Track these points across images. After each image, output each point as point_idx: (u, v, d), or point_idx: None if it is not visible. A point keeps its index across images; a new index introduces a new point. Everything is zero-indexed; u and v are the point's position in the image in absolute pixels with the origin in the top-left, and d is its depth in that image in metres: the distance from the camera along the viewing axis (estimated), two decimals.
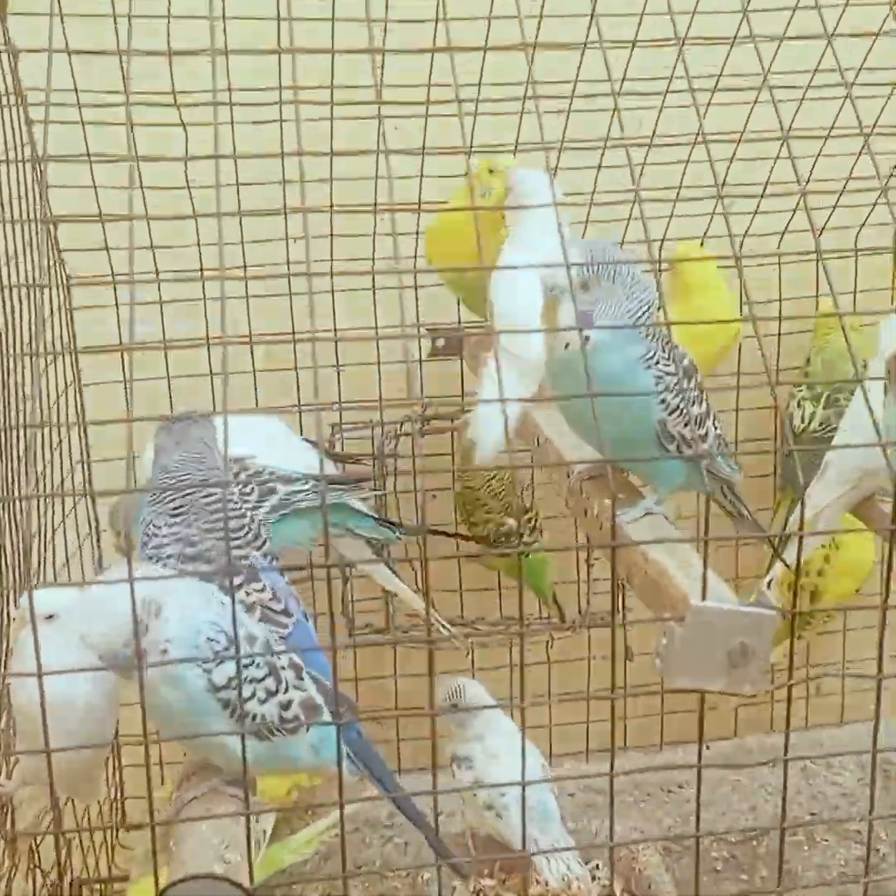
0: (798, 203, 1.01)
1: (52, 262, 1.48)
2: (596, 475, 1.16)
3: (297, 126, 0.94)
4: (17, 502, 1.23)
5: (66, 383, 1.50)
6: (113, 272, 1.48)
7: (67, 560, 1.45)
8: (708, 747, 1.85)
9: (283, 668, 1.01)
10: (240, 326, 1.58)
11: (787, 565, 1.28)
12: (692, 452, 1.08)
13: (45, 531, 1.37)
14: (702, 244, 1.65)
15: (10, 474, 1.23)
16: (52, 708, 0.82)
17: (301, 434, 1.53)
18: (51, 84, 0.93)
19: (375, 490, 1.56)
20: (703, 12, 1.33)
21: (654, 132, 1.48)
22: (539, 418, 1.31)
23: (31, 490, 0.97)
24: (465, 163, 0.92)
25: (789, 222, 1.63)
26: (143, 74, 1.11)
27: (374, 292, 1.62)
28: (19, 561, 1.25)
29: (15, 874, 1.19)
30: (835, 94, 1.15)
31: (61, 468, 1.44)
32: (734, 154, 1.49)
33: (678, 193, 1.56)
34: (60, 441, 1.44)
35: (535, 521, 1.64)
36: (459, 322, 1.69)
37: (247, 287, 1.50)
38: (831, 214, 1.63)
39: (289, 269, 1.48)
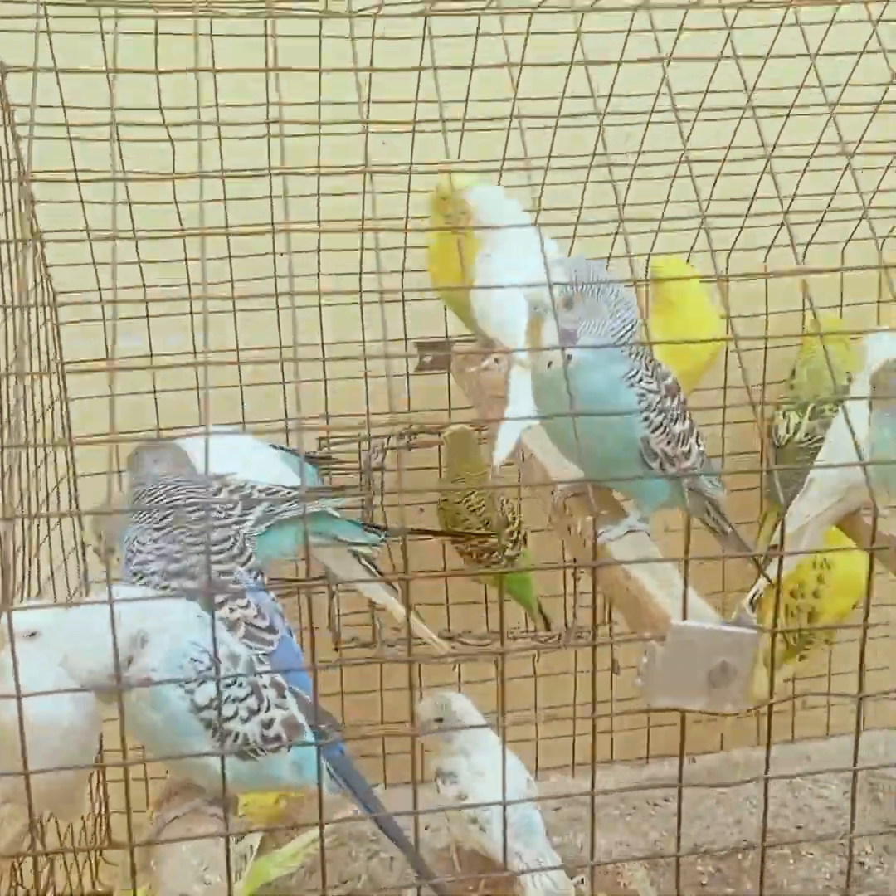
0: (783, 221, 1.02)
1: (39, 279, 1.48)
2: (579, 492, 1.16)
3: (281, 143, 0.95)
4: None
5: (52, 398, 1.50)
6: (100, 288, 1.48)
7: (52, 574, 1.45)
8: (694, 760, 1.86)
9: (265, 687, 1.01)
10: (228, 340, 1.59)
11: (769, 581, 1.29)
12: (675, 471, 1.08)
13: (30, 547, 1.37)
14: (688, 259, 1.66)
15: None
16: (35, 728, 0.82)
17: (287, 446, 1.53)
18: (35, 101, 0.93)
19: (360, 497, 1.56)
20: (689, 29, 1.34)
21: (640, 150, 1.48)
22: (524, 434, 1.31)
23: (14, 510, 0.96)
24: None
25: (775, 237, 1.64)
26: (130, 88, 1.11)
27: (361, 306, 1.62)
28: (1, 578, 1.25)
29: None
30: (820, 111, 1.16)
31: (47, 483, 1.44)
32: (719, 171, 1.50)
33: (664, 209, 1.56)
34: (46, 456, 1.43)
35: (518, 533, 1.65)
36: (447, 336, 1.70)
37: (234, 304, 1.50)
38: (817, 229, 1.64)
39: (276, 283, 1.48)
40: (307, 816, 1.42)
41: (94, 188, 1.37)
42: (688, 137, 1.16)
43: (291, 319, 0.86)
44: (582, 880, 1.45)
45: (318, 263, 1.56)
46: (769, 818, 1.75)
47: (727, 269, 1.65)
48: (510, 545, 1.63)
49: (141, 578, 1.11)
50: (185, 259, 1.47)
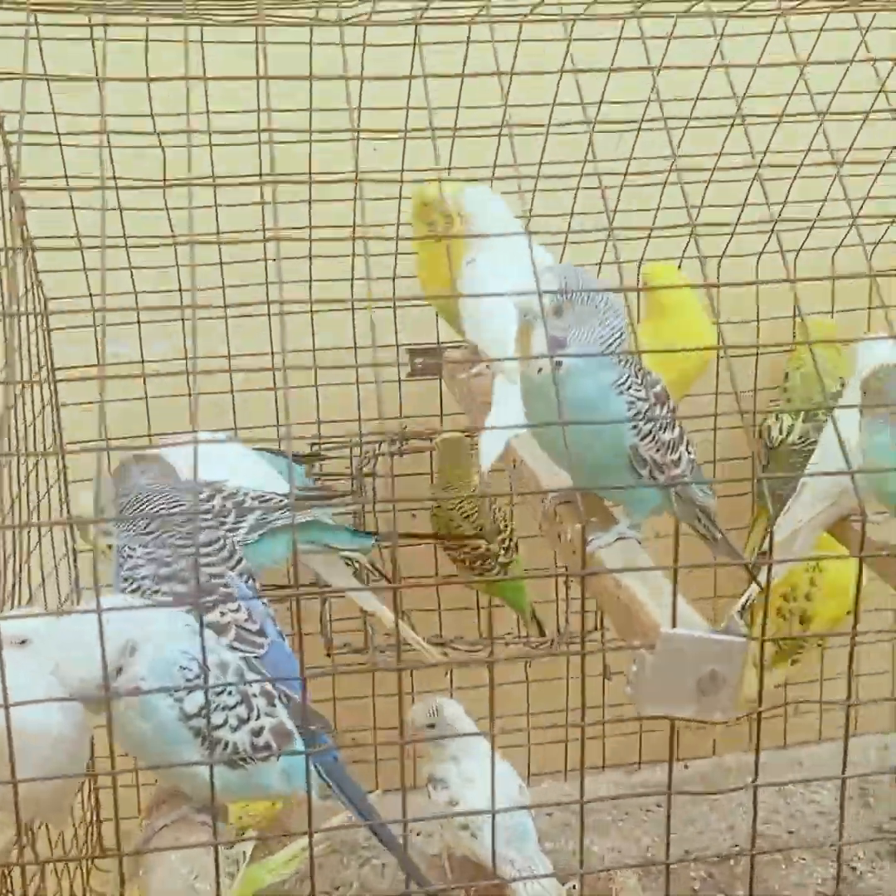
0: (772, 228, 1.02)
1: (30, 285, 1.48)
2: (570, 499, 1.16)
3: (271, 150, 0.95)
4: None
5: (43, 403, 1.50)
6: (91, 294, 1.48)
7: (43, 581, 1.45)
8: (687, 766, 1.86)
9: (255, 695, 1.01)
10: (220, 345, 1.59)
11: (760, 586, 1.29)
12: (664, 478, 1.08)
13: (20, 553, 1.37)
14: (680, 265, 1.66)
15: None
16: (25, 736, 0.82)
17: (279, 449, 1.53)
18: (24, 107, 0.93)
19: (352, 504, 1.56)
20: (679, 37, 1.35)
21: (631, 156, 1.48)
22: (514, 440, 1.31)
23: (5, 517, 0.96)
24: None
25: (766, 244, 1.64)
26: (121, 94, 1.12)
27: (352, 312, 1.62)
28: None
29: None
30: (810, 119, 1.17)
31: (37, 489, 1.44)
32: (710, 178, 1.50)
33: (656, 215, 1.56)
34: (36, 463, 1.43)
35: (510, 540, 1.65)
36: (439, 342, 1.70)
37: (225, 311, 1.50)
38: (807, 236, 1.64)
39: (267, 290, 1.48)
40: (302, 822, 1.41)
41: (85, 194, 1.37)
42: (679, 145, 1.16)
43: (281, 326, 0.87)
44: (574, 886, 1.45)
45: (310, 270, 1.56)
46: (761, 823, 1.77)
47: (718, 275, 1.66)
48: (503, 552, 1.64)
49: (132, 583, 1.11)
50: (177, 265, 1.47)
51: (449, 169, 1.51)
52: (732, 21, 1.31)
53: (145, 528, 1.14)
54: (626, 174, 1.34)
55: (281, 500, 1.35)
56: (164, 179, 1.34)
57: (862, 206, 1.54)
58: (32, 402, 1.45)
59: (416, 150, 1.46)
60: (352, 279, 1.61)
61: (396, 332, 1.68)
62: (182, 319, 1.48)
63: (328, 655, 1.67)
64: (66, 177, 1.37)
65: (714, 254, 1.67)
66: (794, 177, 1.52)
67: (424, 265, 1.54)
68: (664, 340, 1.53)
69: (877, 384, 1.32)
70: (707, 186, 1.53)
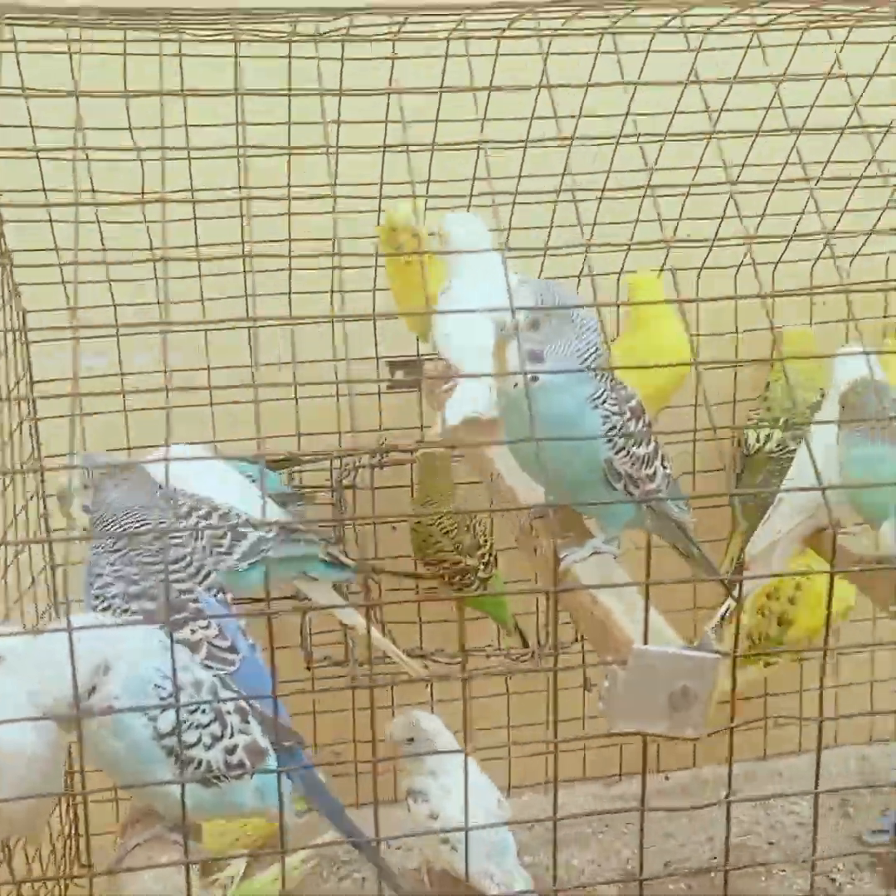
0: (749, 244, 1.03)
1: (7, 297, 1.47)
2: (546, 514, 1.16)
3: (245, 164, 0.95)
4: None
5: (20, 417, 1.50)
6: (69, 306, 1.48)
7: (20, 597, 1.44)
8: (667, 777, 1.87)
9: (229, 712, 1.00)
10: (199, 358, 1.58)
11: (734, 599, 1.29)
12: (639, 493, 1.09)
13: None
14: (659, 275, 1.67)
15: None
16: (1, 755, 0.81)
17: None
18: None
19: (332, 525, 1.57)
20: (656, 51, 1.35)
21: (608, 170, 1.49)
22: (491, 453, 1.31)
23: None
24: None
25: (744, 257, 1.65)
26: (98, 106, 1.11)
27: (332, 325, 1.62)
28: None
29: None
30: (785, 135, 1.17)
31: (15, 504, 1.43)
32: (688, 192, 1.51)
33: (634, 228, 1.57)
34: (13, 477, 1.43)
35: (489, 555, 1.65)
36: (419, 354, 1.70)
37: (205, 326, 1.50)
38: (785, 250, 1.65)
39: (247, 303, 1.48)
40: (299, 838, 1.41)
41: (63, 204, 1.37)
42: (656, 160, 1.17)
43: (254, 341, 0.87)
44: None
45: (289, 283, 1.57)
46: (742, 835, 1.77)
47: (697, 288, 1.66)
48: (482, 567, 1.63)
49: (103, 602, 1.11)
50: (155, 277, 1.47)
51: (427, 183, 1.51)
52: (708, 37, 1.32)
53: (113, 546, 1.14)
54: (603, 189, 1.35)
55: (270, 529, 1.36)
56: (143, 193, 1.34)
57: (838, 221, 1.56)
58: (10, 415, 1.44)
59: (394, 163, 1.46)
60: (331, 291, 1.60)
61: (376, 345, 1.68)
62: (159, 333, 1.48)
63: (308, 668, 1.67)
64: (44, 191, 1.37)
65: (693, 266, 1.67)
66: (771, 191, 1.53)
67: (398, 292, 1.55)
68: (640, 355, 1.53)
69: (854, 398, 1.33)
70: (685, 200, 1.53)
